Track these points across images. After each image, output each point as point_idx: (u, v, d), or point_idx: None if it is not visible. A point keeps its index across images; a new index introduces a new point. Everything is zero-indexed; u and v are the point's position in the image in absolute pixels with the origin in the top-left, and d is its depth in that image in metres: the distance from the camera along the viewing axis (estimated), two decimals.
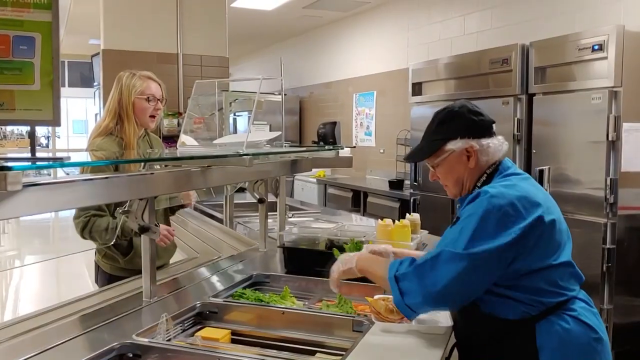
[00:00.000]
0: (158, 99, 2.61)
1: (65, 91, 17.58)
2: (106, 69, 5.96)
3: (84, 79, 15.81)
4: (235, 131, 6.95)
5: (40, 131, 21.26)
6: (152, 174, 1.77)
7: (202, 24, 6.37)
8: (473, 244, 1.49)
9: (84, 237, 2.54)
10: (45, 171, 1.51)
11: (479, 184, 1.71)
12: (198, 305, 1.93)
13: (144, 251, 1.96)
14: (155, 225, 1.94)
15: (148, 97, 2.57)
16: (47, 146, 19.01)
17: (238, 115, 7.62)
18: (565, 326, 1.56)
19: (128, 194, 1.64)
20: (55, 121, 1.16)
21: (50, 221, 10.04)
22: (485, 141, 1.69)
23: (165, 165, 1.94)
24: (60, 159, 1.23)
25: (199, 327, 1.88)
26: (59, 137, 17.55)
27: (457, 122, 1.71)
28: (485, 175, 1.71)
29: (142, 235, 1.93)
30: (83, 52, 12.18)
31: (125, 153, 2.39)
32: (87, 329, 1.74)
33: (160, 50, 6.17)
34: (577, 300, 1.62)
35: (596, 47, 3.63)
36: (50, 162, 1.21)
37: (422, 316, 1.71)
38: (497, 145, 1.71)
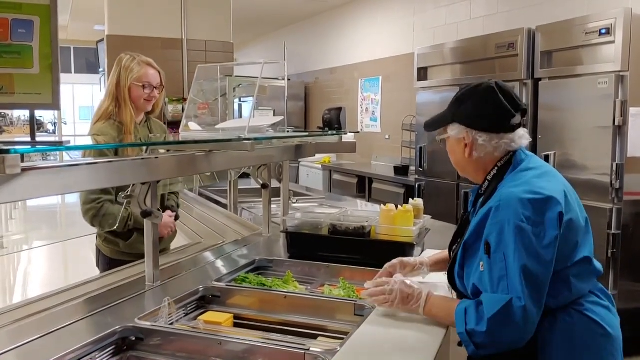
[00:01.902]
0: (155, 87, 2.60)
1: (71, 77, 17.61)
2: (111, 54, 5.96)
3: (89, 65, 15.83)
4: (240, 116, 6.95)
5: (47, 117, 21.37)
6: (156, 158, 1.77)
7: (206, 9, 6.35)
8: (524, 288, 1.40)
9: (92, 224, 2.55)
10: (50, 156, 1.52)
11: (489, 178, 1.63)
12: (201, 289, 1.93)
13: (147, 236, 1.96)
14: (158, 210, 1.95)
15: (144, 85, 2.56)
16: (54, 132, 19.08)
17: (244, 101, 7.62)
18: (569, 321, 1.52)
19: (129, 179, 1.64)
20: (54, 105, 1.16)
21: (57, 207, 10.10)
22: (482, 137, 1.59)
23: (168, 150, 1.94)
24: (60, 142, 1.23)
25: (201, 311, 1.89)
26: (65, 124, 17.59)
27: (463, 107, 1.61)
28: (497, 168, 1.61)
29: (144, 220, 1.93)
30: (89, 38, 12.19)
31: (123, 138, 2.39)
32: (90, 313, 1.75)
33: (164, 35, 6.16)
34: (588, 294, 1.57)
35: (603, 31, 3.59)
36: (49, 146, 1.21)
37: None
38: (497, 144, 1.59)
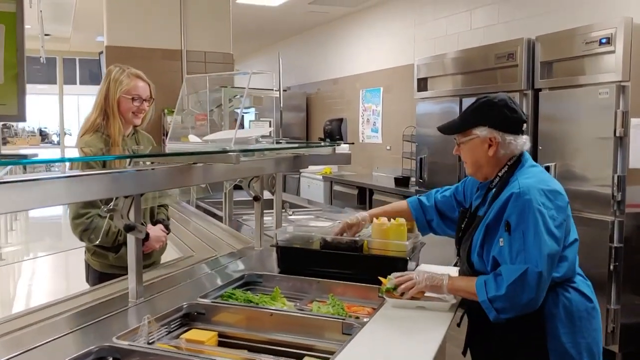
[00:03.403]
0: (144, 99, 2.55)
1: (76, 89, 17.68)
2: (110, 66, 5.92)
3: (92, 76, 15.87)
4: (242, 128, 6.91)
5: (52, 128, 21.42)
6: (137, 170, 1.72)
7: (206, 20, 6.33)
8: (544, 257, 1.68)
9: (81, 239, 2.50)
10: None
11: (500, 174, 1.90)
12: (185, 306, 1.87)
13: (130, 250, 1.91)
14: (142, 224, 1.89)
15: (133, 97, 2.52)
16: (58, 143, 19.12)
17: (245, 112, 7.58)
18: (568, 296, 1.81)
19: (107, 192, 1.59)
20: (19, 116, 1.10)
21: (60, 218, 10.06)
22: (509, 137, 1.87)
23: (152, 163, 1.89)
24: (25, 156, 1.18)
25: (185, 328, 1.83)
26: (70, 135, 17.61)
27: (491, 113, 1.88)
28: (507, 166, 1.90)
29: (127, 235, 1.88)
30: (92, 49, 12.22)
31: (110, 150, 2.34)
32: (69, 330, 1.70)
33: (164, 46, 6.15)
34: (576, 274, 1.87)
35: (604, 41, 3.54)
36: (13, 160, 1.16)
37: (428, 293, 1.91)
38: (520, 143, 1.89)
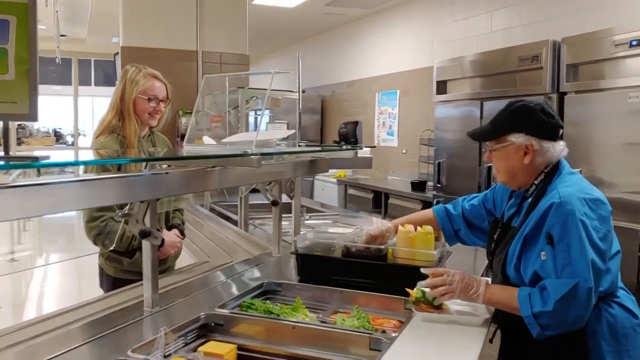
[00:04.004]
0: (161, 100, 2.48)
1: (91, 90, 17.74)
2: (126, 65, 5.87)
3: (107, 77, 15.91)
4: (256, 129, 6.83)
5: (67, 129, 21.54)
6: (152, 174, 1.64)
7: (222, 21, 6.26)
8: (589, 272, 1.58)
9: (95, 243, 2.43)
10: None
11: (536, 182, 1.80)
12: (202, 316, 1.78)
13: (145, 258, 1.82)
14: (158, 229, 1.81)
15: (150, 98, 2.45)
16: (72, 144, 19.20)
17: (259, 115, 7.51)
18: (611, 311, 1.70)
19: (121, 197, 1.50)
20: (31, 115, 1.02)
21: (74, 219, 10.02)
22: (546, 144, 1.77)
23: (169, 166, 1.81)
24: (36, 158, 1.09)
25: (203, 340, 1.74)
26: (84, 135, 17.65)
27: (527, 118, 1.77)
28: (543, 174, 1.80)
29: (142, 241, 1.80)
30: (107, 50, 12.22)
31: (125, 152, 2.26)
32: (83, 341, 1.62)
33: (179, 47, 6.07)
34: (618, 288, 1.76)
35: (634, 43, 3.42)
36: (23, 162, 1.08)
37: (459, 307, 1.83)
38: (558, 150, 1.79)
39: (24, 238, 8.43)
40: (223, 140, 2.11)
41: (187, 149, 2.15)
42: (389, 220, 2.37)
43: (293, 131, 2.26)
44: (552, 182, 1.77)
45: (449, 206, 2.25)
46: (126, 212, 1.76)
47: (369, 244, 2.16)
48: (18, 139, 16.68)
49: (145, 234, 1.77)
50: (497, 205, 2.07)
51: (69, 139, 21.05)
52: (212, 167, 1.74)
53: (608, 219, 1.70)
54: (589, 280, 1.57)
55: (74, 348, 1.57)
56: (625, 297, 1.77)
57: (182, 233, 2.64)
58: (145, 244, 1.81)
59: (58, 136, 21.27)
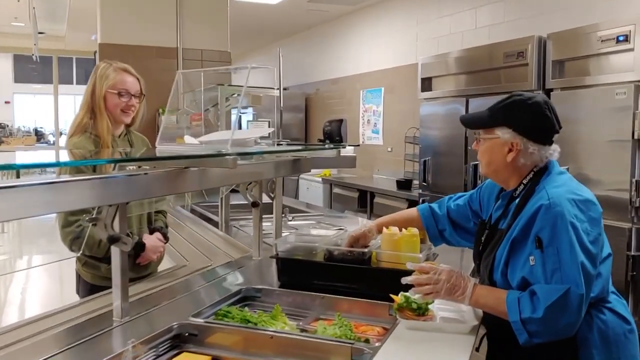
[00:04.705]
0: (133, 95, 2.36)
1: (72, 88, 17.50)
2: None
3: (89, 76, 15.70)
4: (240, 127, 6.72)
5: (48, 128, 21.25)
6: (122, 177, 1.53)
7: (202, 17, 6.14)
8: (581, 278, 1.51)
9: (71, 249, 2.31)
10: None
11: (524, 182, 1.72)
12: (175, 326, 1.69)
13: (114, 265, 1.72)
14: (128, 234, 1.70)
15: (120, 92, 2.33)
16: (54, 143, 18.93)
17: (243, 112, 7.39)
18: (603, 318, 1.63)
19: (87, 201, 1.40)
20: None
21: (53, 220, 9.81)
22: (532, 146, 1.69)
23: (139, 167, 1.70)
24: None
25: (176, 352, 1.64)
26: (66, 134, 17.39)
27: (519, 115, 1.69)
28: (532, 173, 1.72)
29: (111, 247, 1.69)
30: (88, 48, 12.02)
31: (99, 152, 2.15)
32: (47, 355, 1.51)
33: (159, 44, 5.95)
34: (610, 292, 1.70)
35: (621, 38, 3.36)
36: None
37: (445, 313, 1.76)
38: (544, 155, 1.71)
39: (2, 240, 8.23)
40: (198, 139, 2.01)
41: (159, 148, 2.05)
42: (374, 219, 2.28)
43: (272, 129, 2.16)
44: (540, 182, 1.69)
45: (434, 205, 2.16)
46: (94, 216, 1.66)
47: (351, 247, 2.07)
48: None
49: (113, 240, 1.66)
50: (484, 206, 1.99)
51: (51, 138, 20.76)
52: (185, 167, 1.64)
53: (599, 220, 1.63)
54: (580, 286, 1.50)
55: None
56: (617, 302, 1.70)
57: (164, 237, 2.54)
58: (115, 250, 1.71)
59: (39, 135, 20.96)
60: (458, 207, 2.09)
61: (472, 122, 1.85)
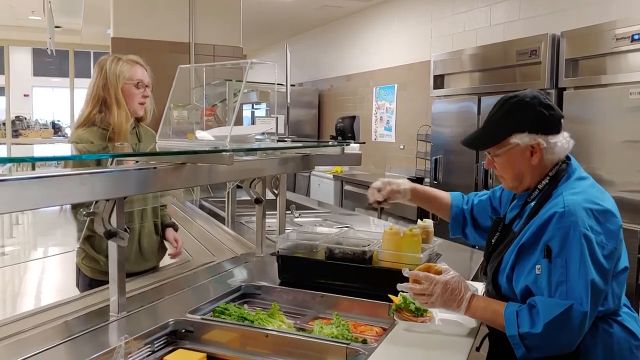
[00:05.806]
0: (146, 85, 2.40)
1: (89, 82, 17.60)
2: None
3: None
4: (253, 123, 6.71)
5: (65, 121, 21.44)
6: (117, 171, 1.52)
7: (215, 13, 6.12)
8: (589, 293, 1.43)
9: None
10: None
11: (540, 186, 1.63)
12: (171, 322, 1.68)
13: (111, 260, 1.71)
14: (125, 230, 1.69)
15: (137, 83, 2.37)
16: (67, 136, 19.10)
17: (256, 108, 7.39)
18: (609, 330, 1.55)
19: (82, 195, 1.39)
20: None
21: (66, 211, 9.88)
22: (553, 139, 1.60)
23: (137, 162, 1.69)
24: None
25: (171, 348, 1.64)
26: None
27: (527, 114, 1.61)
28: (548, 177, 1.62)
29: (109, 241, 1.69)
30: (104, 42, 12.07)
31: (110, 145, 2.16)
32: (40, 349, 1.51)
33: (171, 39, 5.94)
34: (622, 306, 1.61)
35: (636, 37, 3.29)
36: None
37: (444, 315, 1.72)
38: (564, 143, 1.62)
39: (16, 232, 8.32)
40: (197, 135, 2.00)
41: (159, 144, 2.04)
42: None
43: (272, 126, 2.14)
44: (558, 186, 1.59)
45: (465, 198, 2.09)
46: (91, 210, 1.66)
47: (378, 191, 2.06)
48: (15, 130, 16.57)
49: (110, 235, 1.66)
50: (503, 204, 1.92)
51: (68, 131, 20.93)
52: (182, 163, 1.63)
53: (617, 233, 1.53)
54: (584, 304, 1.42)
55: (29, 357, 1.46)
56: (628, 316, 1.60)
57: (174, 227, 2.62)
58: (112, 245, 1.70)
59: (57, 128, 21.16)
60: (480, 203, 2.02)
61: (481, 142, 1.74)
